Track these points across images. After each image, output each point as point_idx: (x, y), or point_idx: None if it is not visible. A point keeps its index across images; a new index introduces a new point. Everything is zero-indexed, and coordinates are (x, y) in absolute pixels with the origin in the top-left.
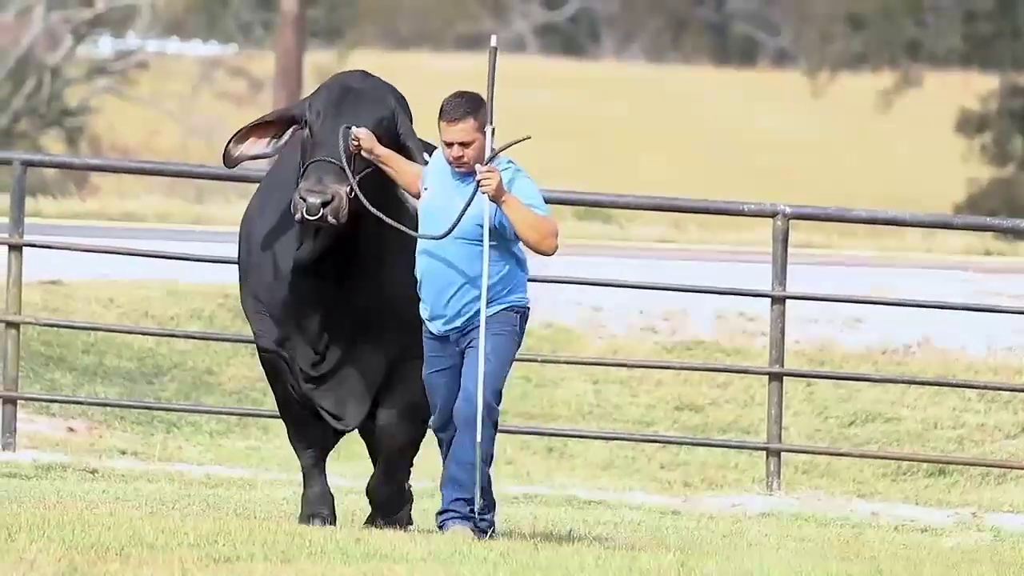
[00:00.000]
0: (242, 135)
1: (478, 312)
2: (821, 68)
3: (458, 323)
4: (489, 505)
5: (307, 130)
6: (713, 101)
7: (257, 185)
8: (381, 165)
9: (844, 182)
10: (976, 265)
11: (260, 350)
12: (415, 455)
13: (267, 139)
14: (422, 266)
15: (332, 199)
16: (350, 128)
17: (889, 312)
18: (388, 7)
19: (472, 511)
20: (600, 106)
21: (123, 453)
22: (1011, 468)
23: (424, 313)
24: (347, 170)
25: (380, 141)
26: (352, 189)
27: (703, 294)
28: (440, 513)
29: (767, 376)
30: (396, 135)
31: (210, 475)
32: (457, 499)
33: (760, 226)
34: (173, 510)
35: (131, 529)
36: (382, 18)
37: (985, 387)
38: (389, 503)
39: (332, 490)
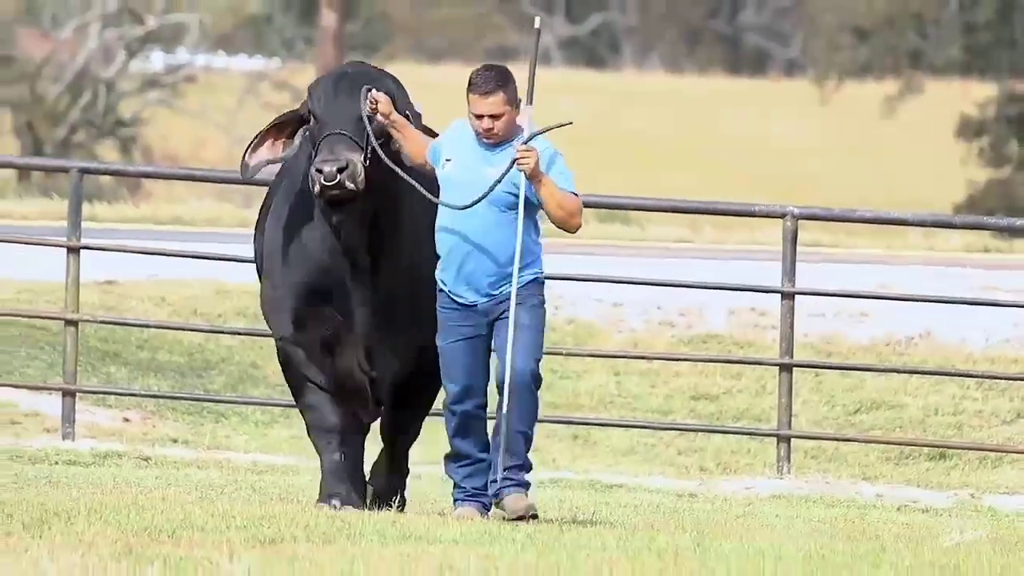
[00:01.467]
0: (256, 143)
1: (507, 282)
2: (828, 77)
3: (491, 292)
4: (527, 465)
5: (311, 117)
6: (727, 108)
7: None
8: (392, 131)
9: (850, 184)
10: (975, 262)
11: (278, 341)
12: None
13: (281, 142)
14: (446, 236)
15: (347, 165)
16: (370, 90)
17: (893, 306)
18: (420, 23)
19: (525, 476)
20: (620, 114)
21: (174, 442)
22: (1007, 452)
23: (447, 283)
24: (368, 129)
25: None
26: (367, 156)
27: (717, 290)
28: (495, 480)
29: (777, 367)
30: (394, 108)
31: (256, 462)
32: (511, 465)
33: (771, 226)
34: (221, 495)
35: (182, 513)
36: (414, 33)
37: (983, 376)
38: (393, 489)
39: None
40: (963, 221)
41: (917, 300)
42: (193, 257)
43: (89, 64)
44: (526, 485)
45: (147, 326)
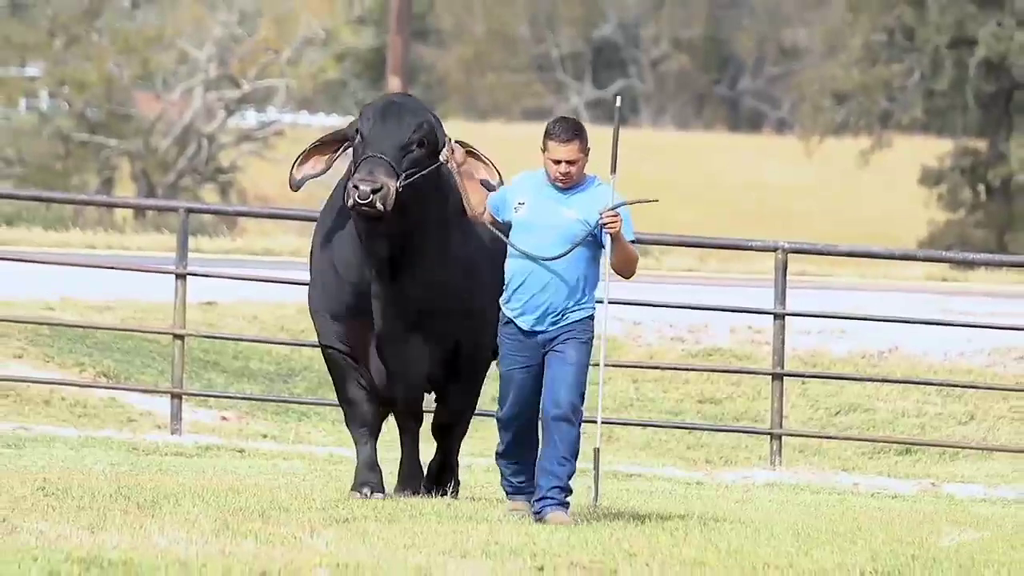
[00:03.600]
0: (302, 159)
1: (567, 316)
2: (813, 134)
3: (550, 323)
4: (568, 489)
5: (358, 137)
6: (728, 159)
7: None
8: (459, 178)
9: (832, 223)
10: (935, 289)
11: (324, 347)
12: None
13: (324, 158)
14: (517, 267)
15: (381, 188)
16: (449, 140)
17: (867, 325)
18: (470, 87)
19: (566, 498)
20: (639, 164)
21: (264, 437)
22: (962, 448)
23: (511, 311)
24: (394, 165)
25: (421, 143)
26: (401, 183)
27: (720, 312)
28: (539, 500)
29: (771, 376)
30: (436, 140)
31: (332, 454)
32: (553, 487)
33: (765, 258)
34: (303, 482)
35: (270, 496)
36: (465, 95)
37: (942, 384)
38: (446, 480)
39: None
40: (925, 254)
41: (887, 320)
42: (280, 282)
43: (194, 121)
44: (566, 505)
45: (241, 340)
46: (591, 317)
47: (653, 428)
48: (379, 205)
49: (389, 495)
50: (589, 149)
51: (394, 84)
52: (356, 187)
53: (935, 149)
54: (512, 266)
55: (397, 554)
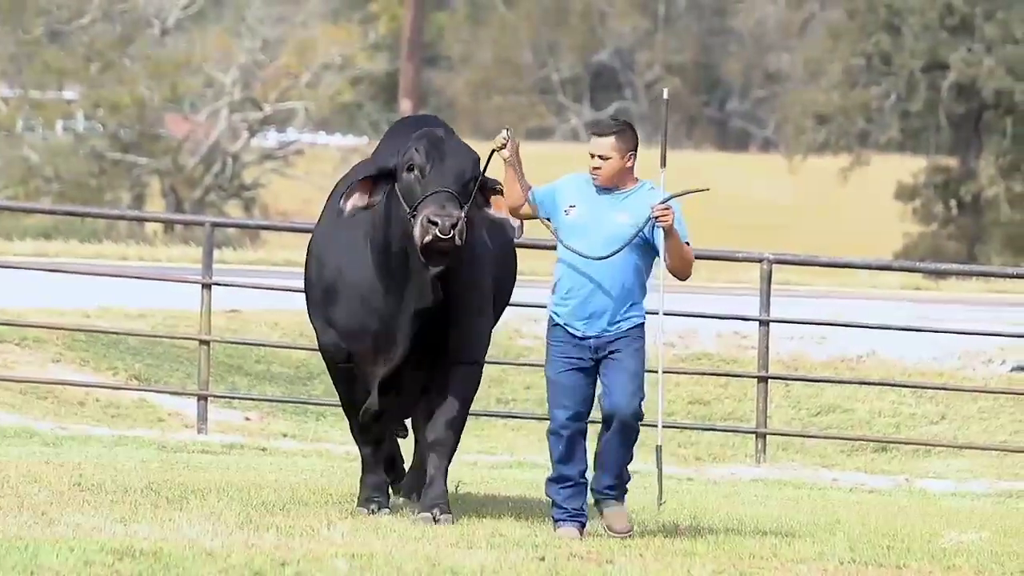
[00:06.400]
0: (349, 192)
1: (622, 321)
2: (796, 152)
3: (602, 329)
4: (626, 479)
5: (414, 172)
6: (717, 176)
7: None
8: (508, 173)
9: (813, 236)
10: (909, 297)
11: (329, 359)
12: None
13: (368, 191)
14: (571, 275)
15: (457, 222)
16: (509, 130)
17: (846, 331)
18: (477, 109)
19: (621, 496)
20: None
21: (285, 436)
22: (934, 446)
23: (563, 316)
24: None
25: (475, 175)
26: (465, 213)
27: (708, 319)
28: (594, 490)
29: (756, 379)
30: (479, 171)
31: (348, 452)
32: (608, 485)
33: (751, 269)
34: (321, 478)
35: (290, 491)
36: (473, 116)
37: (915, 386)
38: (435, 502)
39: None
40: (900, 265)
41: (865, 327)
42: (299, 291)
43: (219, 141)
44: (622, 498)
45: (263, 345)
46: (642, 325)
47: (645, 428)
48: (459, 240)
49: (395, 505)
50: (631, 153)
51: (406, 106)
52: (434, 222)
53: (910, 167)
54: (562, 270)
55: (408, 545)
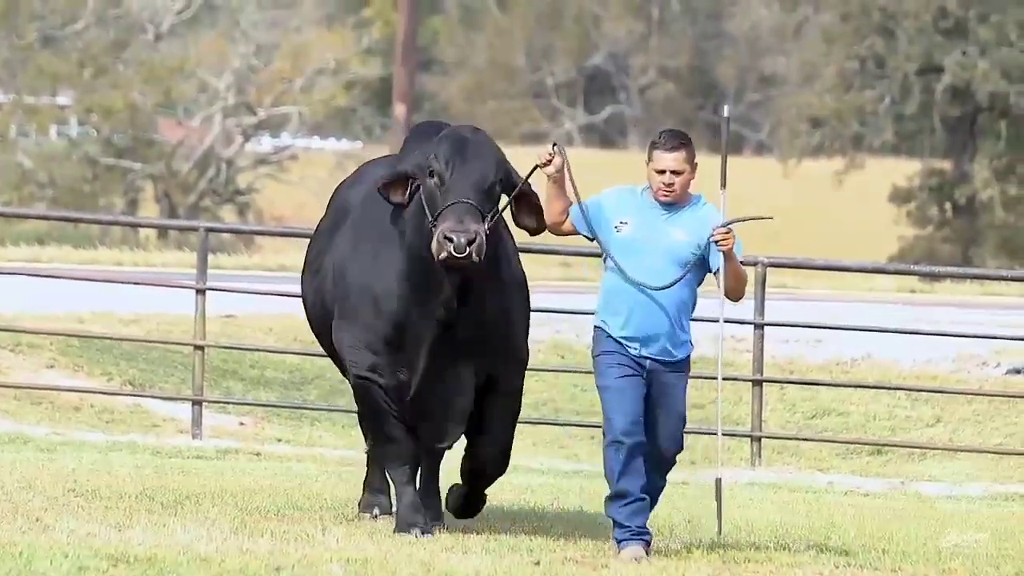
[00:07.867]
0: (387, 187)
1: (676, 349)
2: (790, 156)
3: (660, 354)
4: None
5: (434, 179)
6: (711, 179)
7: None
8: (551, 188)
9: (808, 239)
10: (904, 300)
11: (356, 378)
12: None
13: (397, 196)
14: (615, 285)
15: (475, 238)
16: (556, 145)
17: (841, 334)
18: (471, 113)
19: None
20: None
21: (279, 441)
22: (929, 449)
23: (613, 327)
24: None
25: (500, 181)
26: (488, 227)
27: (704, 322)
28: (621, 527)
29: (751, 382)
30: (509, 174)
31: (343, 457)
32: (641, 525)
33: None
34: (315, 482)
35: (285, 496)
36: (467, 119)
37: (910, 389)
38: (474, 509)
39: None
40: (895, 268)
41: (860, 329)
42: (294, 296)
43: (213, 146)
44: (647, 541)
45: (258, 350)
46: (690, 355)
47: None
48: (475, 257)
49: (437, 524)
50: (696, 164)
51: (400, 111)
52: (449, 239)
53: (904, 170)
54: (610, 283)
55: (403, 550)
